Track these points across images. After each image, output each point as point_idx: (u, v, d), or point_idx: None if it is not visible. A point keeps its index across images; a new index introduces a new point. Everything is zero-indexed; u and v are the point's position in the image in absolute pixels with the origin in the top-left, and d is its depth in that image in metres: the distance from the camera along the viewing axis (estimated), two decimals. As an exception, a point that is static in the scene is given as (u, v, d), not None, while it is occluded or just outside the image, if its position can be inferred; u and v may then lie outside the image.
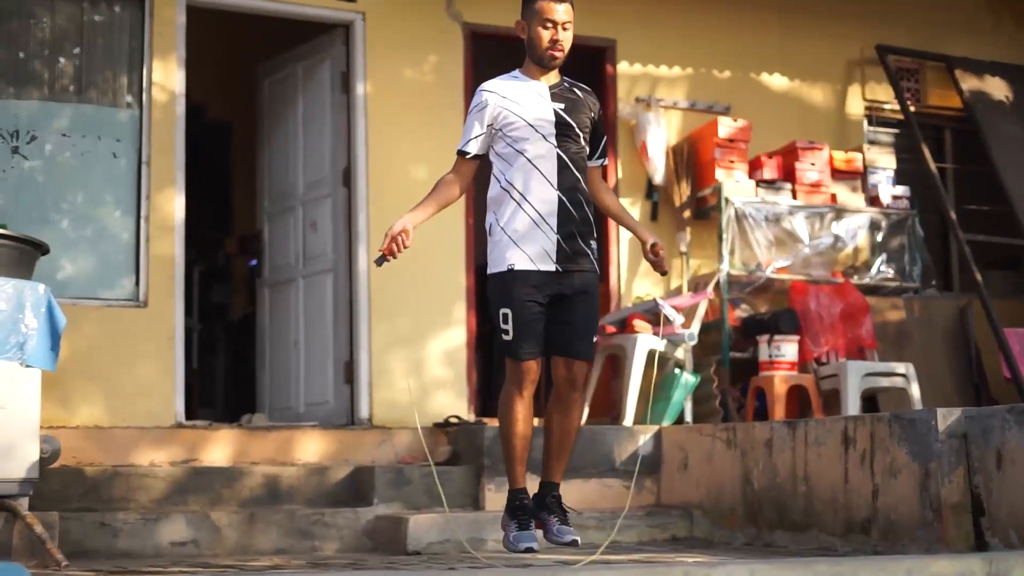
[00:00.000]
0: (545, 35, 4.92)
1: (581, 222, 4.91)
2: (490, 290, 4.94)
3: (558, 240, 4.84)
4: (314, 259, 8.54)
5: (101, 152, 7.63)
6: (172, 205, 7.68)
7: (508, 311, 4.80)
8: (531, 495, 5.08)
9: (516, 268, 4.81)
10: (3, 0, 7.54)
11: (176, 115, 7.77)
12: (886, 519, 5.46)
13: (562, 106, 4.93)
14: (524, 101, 4.91)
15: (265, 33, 9.41)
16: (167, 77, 7.76)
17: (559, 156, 4.87)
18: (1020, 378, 8.57)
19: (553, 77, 5.01)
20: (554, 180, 4.85)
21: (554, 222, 4.84)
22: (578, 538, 4.91)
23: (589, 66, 8.40)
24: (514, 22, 5.06)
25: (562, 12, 4.93)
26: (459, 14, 8.56)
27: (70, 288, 7.38)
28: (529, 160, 4.85)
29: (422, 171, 8.16)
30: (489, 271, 4.93)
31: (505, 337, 4.82)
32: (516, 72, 5.05)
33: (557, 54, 4.94)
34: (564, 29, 4.94)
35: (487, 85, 5.00)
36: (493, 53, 8.68)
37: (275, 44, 9.12)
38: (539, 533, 5.07)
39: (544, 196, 4.84)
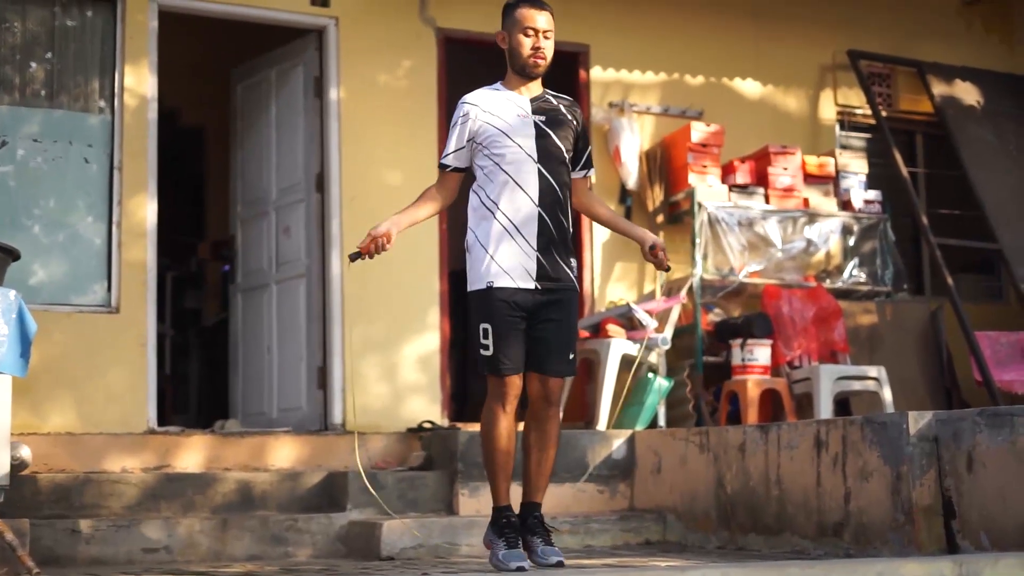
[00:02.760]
0: (527, 43, 4.89)
1: (560, 239, 4.86)
2: (471, 306, 4.89)
3: (537, 257, 4.80)
4: (287, 264, 8.52)
5: (73, 157, 7.60)
6: (144, 211, 7.65)
7: (488, 326, 4.75)
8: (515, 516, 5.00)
9: (495, 286, 4.77)
10: (-27, 5, 7.51)
11: (148, 120, 7.74)
12: (858, 522, 5.48)
13: (543, 119, 4.89)
14: (506, 115, 4.86)
15: (238, 38, 9.39)
16: (139, 82, 7.73)
17: (540, 171, 4.83)
18: (991, 381, 8.62)
19: (535, 89, 4.97)
20: (535, 196, 4.81)
21: (533, 239, 4.80)
22: (563, 559, 4.84)
23: (562, 71, 8.40)
24: (495, 33, 5.02)
25: (543, 20, 4.91)
26: (433, 19, 8.55)
27: (42, 294, 7.34)
28: (510, 176, 4.81)
29: (396, 176, 8.16)
30: (469, 288, 4.87)
31: (485, 352, 4.75)
32: (498, 84, 5.00)
33: (539, 62, 4.90)
34: (545, 37, 4.91)
35: (469, 98, 4.94)
36: (467, 58, 8.71)
37: (248, 49, 9.10)
38: None
39: (524, 212, 4.80)
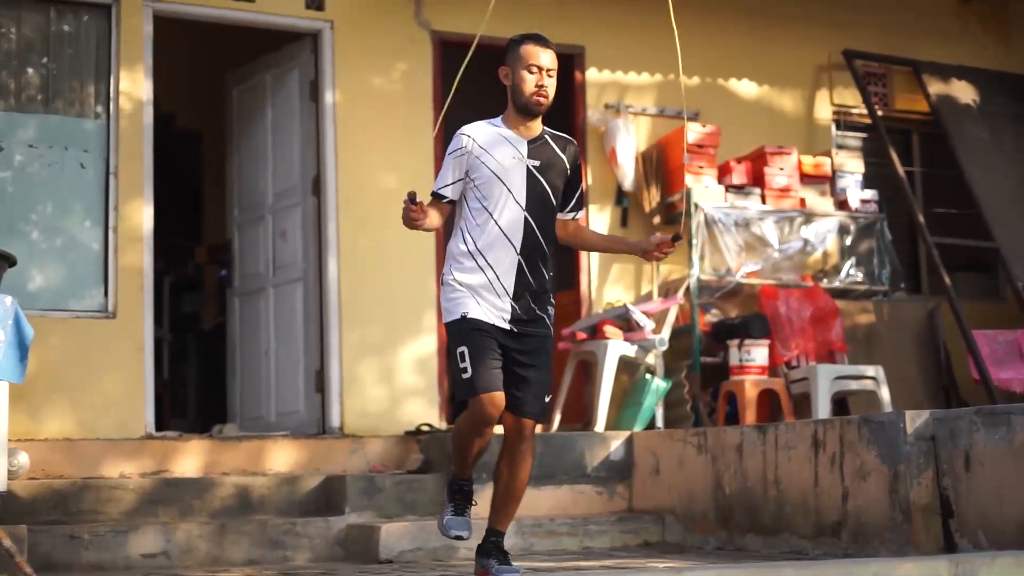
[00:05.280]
0: (531, 80, 4.83)
1: (538, 286, 4.84)
2: (448, 338, 4.89)
3: (512, 305, 4.78)
4: (284, 268, 8.52)
5: (69, 163, 7.59)
6: (140, 215, 7.65)
7: (465, 349, 4.72)
8: (478, 544, 5.02)
9: (469, 316, 4.75)
10: (-32, 11, 7.51)
11: (144, 125, 7.73)
12: (856, 522, 5.48)
13: (537, 164, 4.84)
14: (500, 156, 4.81)
15: (233, 42, 9.38)
16: (134, 87, 7.73)
17: (526, 220, 4.80)
18: (989, 380, 8.62)
19: (535, 128, 4.91)
20: (517, 244, 4.79)
21: (511, 287, 4.78)
22: (518, 572, 4.87)
23: (558, 73, 8.39)
24: (498, 68, 4.97)
25: (547, 58, 4.86)
26: (428, 22, 8.56)
27: (39, 300, 7.34)
28: (496, 223, 4.78)
29: (391, 179, 8.16)
30: (445, 320, 4.87)
31: (465, 376, 4.72)
32: (497, 121, 4.93)
33: (542, 100, 4.84)
34: (549, 75, 4.86)
35: (468, 130, 4.88)
36: (462, 61, 8.69)
37: (244, 53, 9.10)
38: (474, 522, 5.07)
39: (505, 260, 4.78)
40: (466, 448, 4.88)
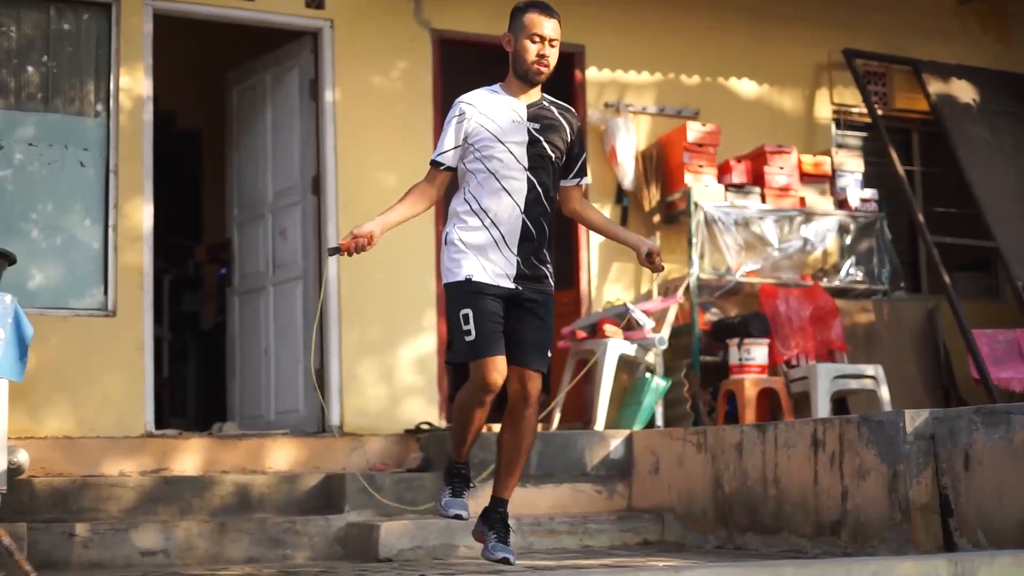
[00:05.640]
0: (532, 49, 4.87)
1: (540, 244, 4.91)
2: (448, 298, 4.93)
3: (517, 262, 4.84)
4: (284, 267, 8.52)
5: (68, 161, 7.59)
6: (140, 214, 7.65)
7: (469, 311, 4.77)
8: (483, 509, 5.09)
9: (473, 279, 4.80)
10: (-32, 9, 7.51)
11: (143, 123, 7.73)
12: (856, 521, 5.48)
13: (537, 127, 4.90)
14: (500, 119, 4.87)
15: (234, 41, 9.39)
16: (134, 85, 7.73)
17: (529, 179, 4.85)
18: (988, 379, 8.62)
19: (534, 95, 4.97)
20: (521, 203, 4.85)
21: (515, 244, 4.84)
22: (511, 556, 4.90)
23: (558, 71, 8.37)
24: (501, 35, 5.01)
25: (550, 28, 4.90)
26: (428, 21, 8.55)
27: (38, 298, 7.34)
28: (499, 182, 4.83)
29: (391, 178, 8.16)
30: (446, 280, 4.91)
31: (468, 338, 4.77)
32: (496, 87, 4.99)
33: (543, 69, 4.89)
34: (551, 45, 4.90)
35: (466, 97, 4.95)
36: (462, 60, 8.72)
37: (244, 52, 9.10)
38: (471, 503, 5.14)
39: (509, 219, 4.83)
40: (466, 419, 4.90)
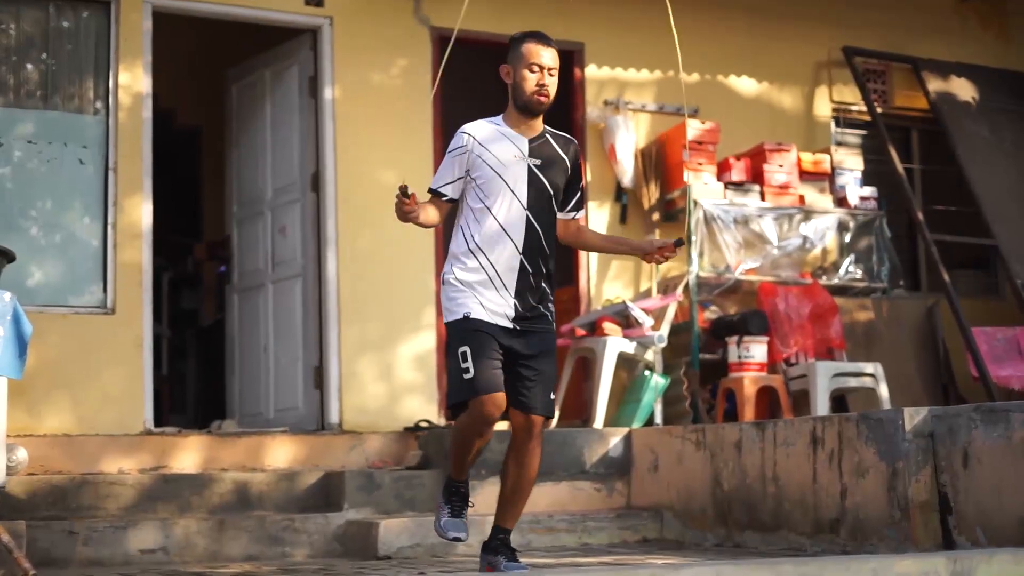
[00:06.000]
0: (532, 78, 4.81)
1: (539, 284, 4.83)
2: (448, 337, 4.86)
3: (514, 304, 4.76)
4: (283, 264, 8.52)
5: (68, 158, 7.59)
6: (140, 211, 7.65)
7: (467, 349, 4.68)
8: (483, 541, 5.01)
9: (472, 316, 4.73)
10: (-33, 6, 7.50)
11: (143, 121, 7.73)
12: (855, 518, 5.49)
13: (539, 163, 4.82)
14: (502, 155, 4.80)
15: (233, 38, 9.38)
16: (134, 83, 7.73)
17: (528, 219, 4.78)
18: (988, 377, 8.62)
19: (536, 127, 4.89)
20: (520, 243, 4.77)
21: (512, 285, 4.76)
22: (525, 569, 4.83)
23: (558, 70, 8.39)
24: (500, 67, 4.96)
25: (548, 57, 4.85)
26: (427, 18, 8.55)
27: (38, 295, 7.34)
28: (498, 221, 4.76)
29: (390, 175, 8.15)
30: (446, 320, 4.84)
31: (467, 376, 4.67)
32: (498, 119, 4.91)
33: (543, 99, 4.82)
34: (550, 74, 4.84)
35: (469, 128, 4.87)
36: (462, 57, 8.70)
37: (243, 49, 9.09)
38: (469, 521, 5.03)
39: (507, 259, 4.76)
40: (465, 449, 4.84)
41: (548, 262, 4.88)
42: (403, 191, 4.60)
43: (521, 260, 4.78)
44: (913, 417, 5.25)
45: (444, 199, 4.86)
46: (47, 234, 7.50)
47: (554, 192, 4.86)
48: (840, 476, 5.58)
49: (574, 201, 4.99)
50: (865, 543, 5.40)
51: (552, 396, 4.87)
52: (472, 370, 4.67)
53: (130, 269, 7.58)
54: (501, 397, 4.70)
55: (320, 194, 8.23)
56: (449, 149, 4.87)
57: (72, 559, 6.03)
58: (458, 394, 4.75)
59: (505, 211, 4.77)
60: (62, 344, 7.31)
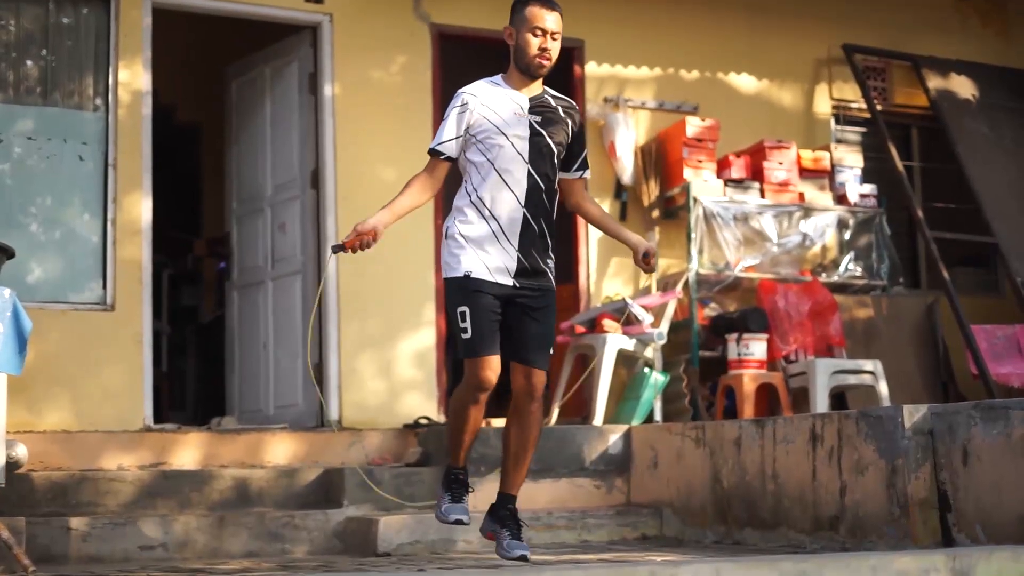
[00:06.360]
0: (534, 42, 4.85)
1: (541, 239, 4.87)
2: (447, 292, 4.92)
3: (518, 256, 4.81)
4: (283, 261, 8.52)
5: (67, 155, 7.59)
6: (139, 208, 7.65)
7: (466, 308, 4.76)
8: (489, 505, 5.06)
9: (472, 276, 4.78)
10: (-33, 2, 7.50)
11: (143, 117, 7.73)
12: (854, 516, 5.49)
13: (539, 119, 4.87)
14: (503, 111, 4.85)
15: (233, 35, 9.38)
16: (133, 79, 7.73)
17: (529, 172, 4.83)
18: (987, 375, 8.63)
19: (535, 88, 4.94)
20: (522, 197, 4.82)
21: (515, 238, 4.81)
22: (527, 553, 4.85)
23: (557, 66, 8.38)
24: (503, 28, 4.99)
25: (552, 21, 4.87)
26: (427, 15, 8.55)
27: (37, 292, 7.34)
28: (500, 175, 4.80)
29: (391, 172, 8.15)
30: (445, 275, 4.89)
31: (464, 336, 4.77)
32: (498, 79, 4.96)
33: (545, 62, 4.87)
34: (553, 38, 4.87)
35: (469, 88, 4.92)
36: (461, 54, 8.71)
37: (243, 46, 9.09)
38: (472, 507, 5.12)
39: (510, 212, 4.81)
40: (463, 420, 4.88)
41: (550, 218, 4.93)
42: (335, 249, 4.83)
43: (524, 213, 4.83)
44: (913, 414, 5.25)
45: (443, 158, 4.90)
46: (47, 230, 7.49)
47: (556, 148, 4.90)
48: (839, 473, 5.58)
49: (579, 160, 5.04)
50: (864, 540, 5.41)
51: (550, 352, 4.92)
52: (470, 331, 4.74)
53: (130, 265, 7.58)
54: (496, 360, 4.77)
55: (320, 191, 8.23)
56: (449, 108, 4.92)
57: (72, 555, 6.02)
58: (459, 351, 4.83)
59: (507, 165, 4.82)
60: (62, 340, 7.31)
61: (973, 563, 3.90)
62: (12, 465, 5.68)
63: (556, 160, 4.92)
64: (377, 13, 8.42)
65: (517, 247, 4.81)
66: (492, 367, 4.76)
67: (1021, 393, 8.60)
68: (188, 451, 7.29)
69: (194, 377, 10.67)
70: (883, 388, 8.20)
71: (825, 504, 5.66)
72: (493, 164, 4.82)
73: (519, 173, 4.82)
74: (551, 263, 4.94)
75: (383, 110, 8.35)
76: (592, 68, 9.03)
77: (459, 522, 4.95)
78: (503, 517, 4.94)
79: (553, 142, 4.89)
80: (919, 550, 4.80)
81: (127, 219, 7.61)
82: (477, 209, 4.82)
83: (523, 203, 4.83)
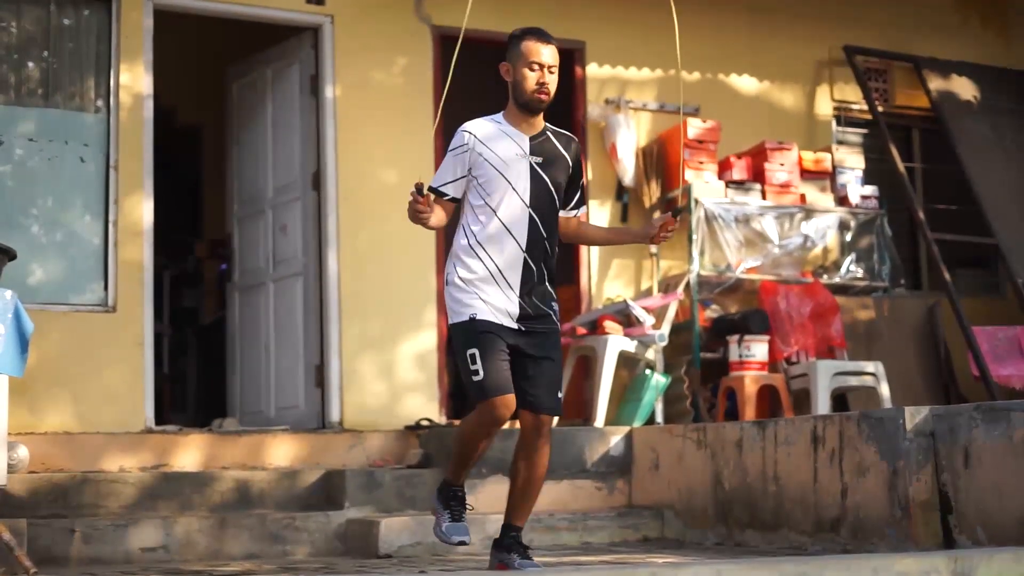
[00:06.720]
0: (532, 77, 4.79)
1: (542, 283, 4.81)
2: (454, 339, 4.84)
3: (519, 302, 4.75)
4: (284, 262, 8.52)
5: (69, 157, 7.59)
6: (140, 209, 7.65)
7: (475, 350, 4.67)
8: (494, 539, 5.01)
9: (478, 318, 4.71)
10: (-32, 4, 7.50)
11: (144, 119, 7.73)
12: (855, 518, 5.49)
13: (540, 160, 4.80)
14: (503, 153, 4.78)
15: (234, 36, 9.38)
16: (135, 81, 7.73)
17: (531, 217, 4.77)
18: (988, 376, 8.62)
19: (536, 125, 4.87)
20: (523, 241, 4.76)
21: (516, 282, 4.75)
22: (538, 568, 4.82)
23: (559, 68, 8.39)
24: (499, 65, 4.95)
25: (548, 55, 4.83)
26: (428, 16, 8.55)
27: (39, 293, 7.34)
28: (500, 219, 4.74)
29: (392, 174, 8.16)
30: (451, 321, 4.82)
31: (476, 379, 4.66)
32: (499, 117, 4.89)
33: (543, 97, 4.80)
34: (550, 72, 4.82)
35: (469, 127, 4.85)
36: (463, 55, 8.69)
37: (244, 47, 9.09)
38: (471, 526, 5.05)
39: (509, 256, 4.75)
40: (470, 449, 4.83)
41: (550, 260, 4.87)
42: (418, 189, 4.57)
43: (524, 258, 4.77)
44: (914, 416, 5.25)
45: (446, 199, 4.84)
46: (48, 232, 7.50)
47: (556, 190, 4.85)
48: (841, 475, 5.58)
49: (576, 199, 4.98)
50: (866, 542, 5.41)
51: (560, 395, 4.85)
52: (481, 372, 4.66)
53: (131, 267, 7.58)
54: (511, 399, 4.69)
55: (321, 192, 8.23)
56: (450, 148, 4.85)
57: (73, 557, 6.02)
58: (471, 396, 4.75)
59: (507, 209, 4.76)
60: (63, 342, 7.31)
61: (974, 565, 3.89)
62: (13, 467, 5.68)
63: (557, 201, 4.88)
64: (378, 15, 8.42)
65: (518, 292, 4.75)
66: (507, 405, 4.68)
67: (1022, 395, 8.60)
68: (189, 453, 7.29)
69: (195, 379, 10.67)
70: (884, 390, 8.20)
71: (826, 506, 5.66)
72: (493, 209, 4.75)
73: (520, 217, 4.75)
74: (555, 306, 4.88)
75: (384, 112, 8.35)
76: (593, 70, 9.03)
77: (462, 543, 4.89)
78: (509, 544, 4.89)
79: (552, 183, 4.83)
80: (920, 552, 4.80)
81: (128, 221, 7.61)
82: (477, 254, 4.75)
83: (524, 248, 4.76)
